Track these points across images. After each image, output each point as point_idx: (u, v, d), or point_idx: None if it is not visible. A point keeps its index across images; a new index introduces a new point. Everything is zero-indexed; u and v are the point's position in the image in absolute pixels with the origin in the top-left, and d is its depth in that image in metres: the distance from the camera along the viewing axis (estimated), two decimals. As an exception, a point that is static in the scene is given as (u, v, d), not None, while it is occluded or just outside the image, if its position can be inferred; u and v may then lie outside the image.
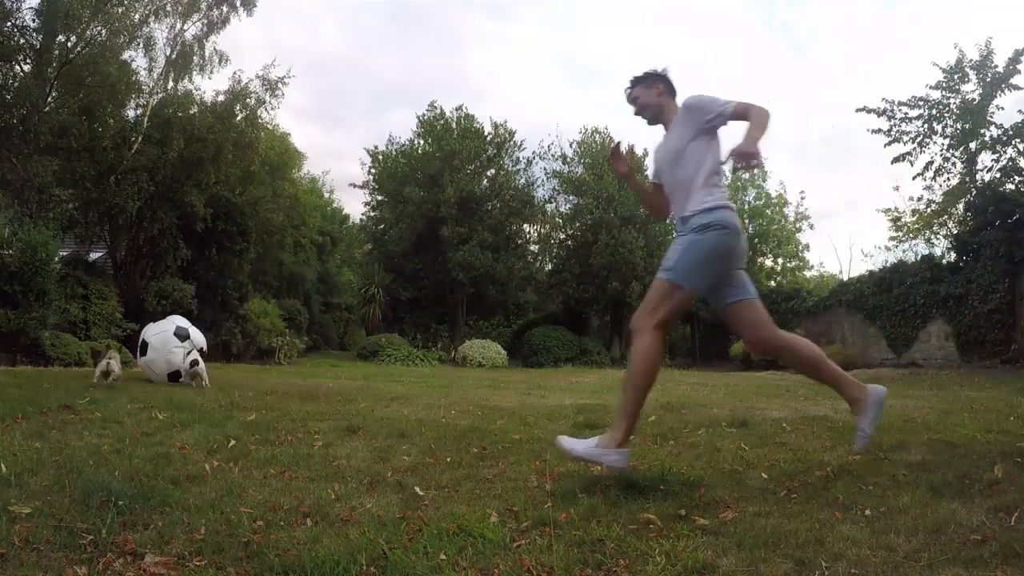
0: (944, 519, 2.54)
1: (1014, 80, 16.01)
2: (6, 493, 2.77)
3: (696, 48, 63.53)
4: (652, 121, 3.58)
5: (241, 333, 17.79)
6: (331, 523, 2.61)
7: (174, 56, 16.61)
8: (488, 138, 25.13)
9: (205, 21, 16.98)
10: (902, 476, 3.22)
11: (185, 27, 16.74)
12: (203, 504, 2.77)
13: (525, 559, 2.20)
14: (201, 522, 2.53)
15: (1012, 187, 15.96)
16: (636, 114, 3.62)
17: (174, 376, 8.33)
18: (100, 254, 17.33)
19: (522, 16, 65.03)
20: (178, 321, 8.95)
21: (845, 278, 24.60)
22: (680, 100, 3.47)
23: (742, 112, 3.24)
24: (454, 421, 5.37)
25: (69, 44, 14.38)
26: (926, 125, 17.21)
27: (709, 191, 3.30)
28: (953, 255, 17.03)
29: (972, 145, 16.69)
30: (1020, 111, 19.02)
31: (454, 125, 24.95)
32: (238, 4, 16.98)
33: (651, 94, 3.56)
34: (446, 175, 23.23)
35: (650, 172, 3.84)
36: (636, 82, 3.61)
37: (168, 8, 16.29)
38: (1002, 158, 16.37)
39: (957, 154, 17.07)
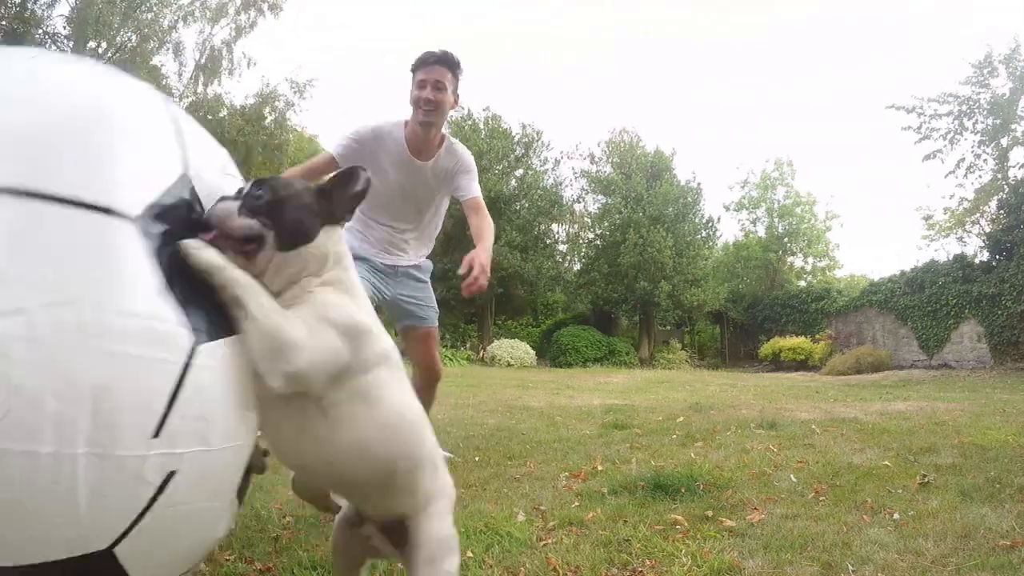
0: (973, 524, 2.53)
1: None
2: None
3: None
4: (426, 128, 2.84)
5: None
6: (361, 521, 2.65)
7: (203, 60, 16.88)
8: (516, 138, 25.19)
9: (233, 25, 17.24)
10: (932, 479, 3.20)
11: (213, 32, 17.01)
12: (235, 501, 2.83)
13: (552, 558, 2.23)
14: (234, 518, 2.59)
15: (1046, 184, 15.64)
16: (424, 104, 2.79)
17: None
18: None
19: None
20: None
21: (876, 278, 24.24)
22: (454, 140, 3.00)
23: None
24: (482, 420, 5.40)
25: (100, 50, 14.66)
26: (956, 122, 16.91)
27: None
28: (986, 254, 16.68)
29: (1003, 141, 16.36)
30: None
31: (481, 125, 25.02)
32: (265, 8, 17.21)
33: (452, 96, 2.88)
34: (475, 175, 23.31)
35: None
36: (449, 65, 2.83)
37: (196, 13, 16.56)
38: (1034, 154, 16.06)
39: (988, 150, 16.76)
